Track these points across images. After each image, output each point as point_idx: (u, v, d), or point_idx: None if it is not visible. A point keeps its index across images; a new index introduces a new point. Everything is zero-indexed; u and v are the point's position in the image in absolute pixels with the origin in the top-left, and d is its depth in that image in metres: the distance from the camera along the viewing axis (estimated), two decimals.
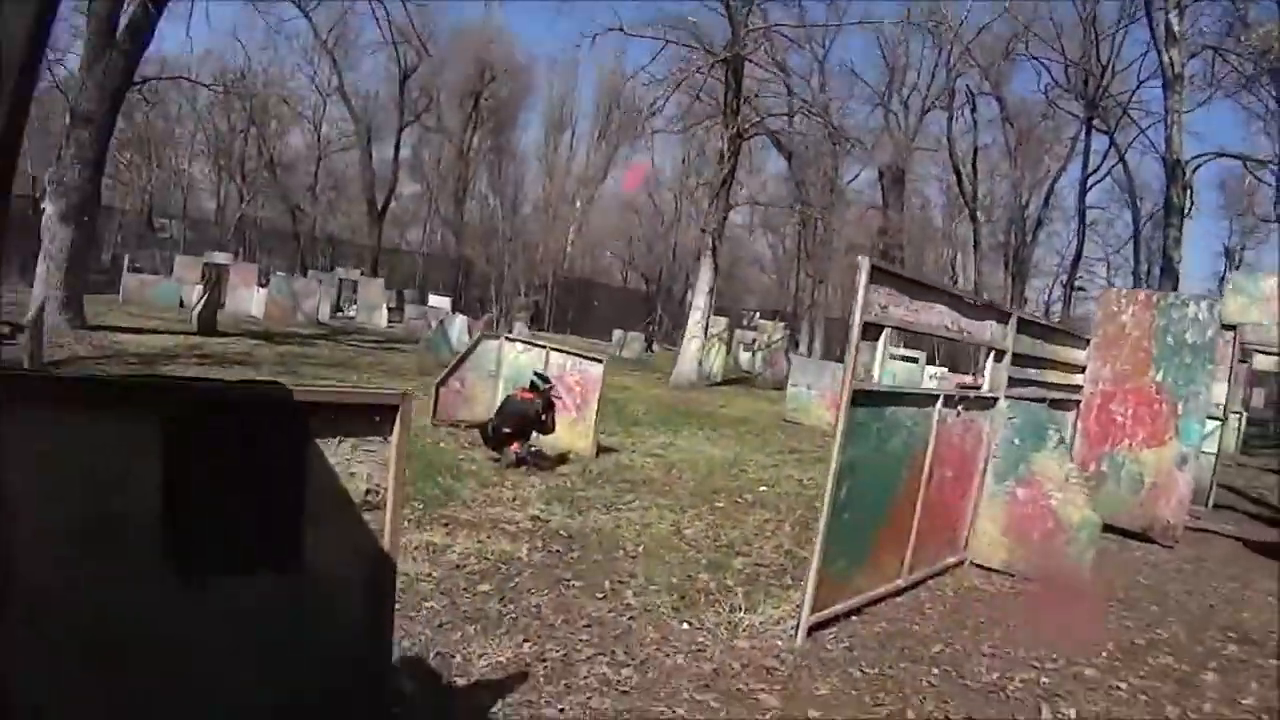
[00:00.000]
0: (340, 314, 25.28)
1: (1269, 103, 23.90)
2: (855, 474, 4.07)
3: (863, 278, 3.80)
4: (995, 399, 5.54)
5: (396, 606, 2.34)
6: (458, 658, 3.40)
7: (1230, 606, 5.65)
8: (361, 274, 28.31)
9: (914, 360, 17.55)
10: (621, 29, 17.12)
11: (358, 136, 33.74)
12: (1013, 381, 5.66)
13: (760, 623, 4.10)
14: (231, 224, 30.58)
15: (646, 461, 8.56)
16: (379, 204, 34.42)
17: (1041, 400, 6.17)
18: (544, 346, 9.54)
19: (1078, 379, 7.62)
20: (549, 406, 7.61)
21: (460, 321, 18.52)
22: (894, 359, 16.60)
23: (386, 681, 2.45)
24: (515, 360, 9.53)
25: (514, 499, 6.27)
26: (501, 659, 3.42)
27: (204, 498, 2.05)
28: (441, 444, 8.08)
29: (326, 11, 29.85)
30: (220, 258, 23.77)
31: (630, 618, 4.05)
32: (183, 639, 2.04)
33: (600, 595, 4.34)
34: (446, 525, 5.36)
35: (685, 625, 4.03)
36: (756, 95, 18.40)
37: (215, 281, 20.54)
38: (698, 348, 18.58)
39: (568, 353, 9.29)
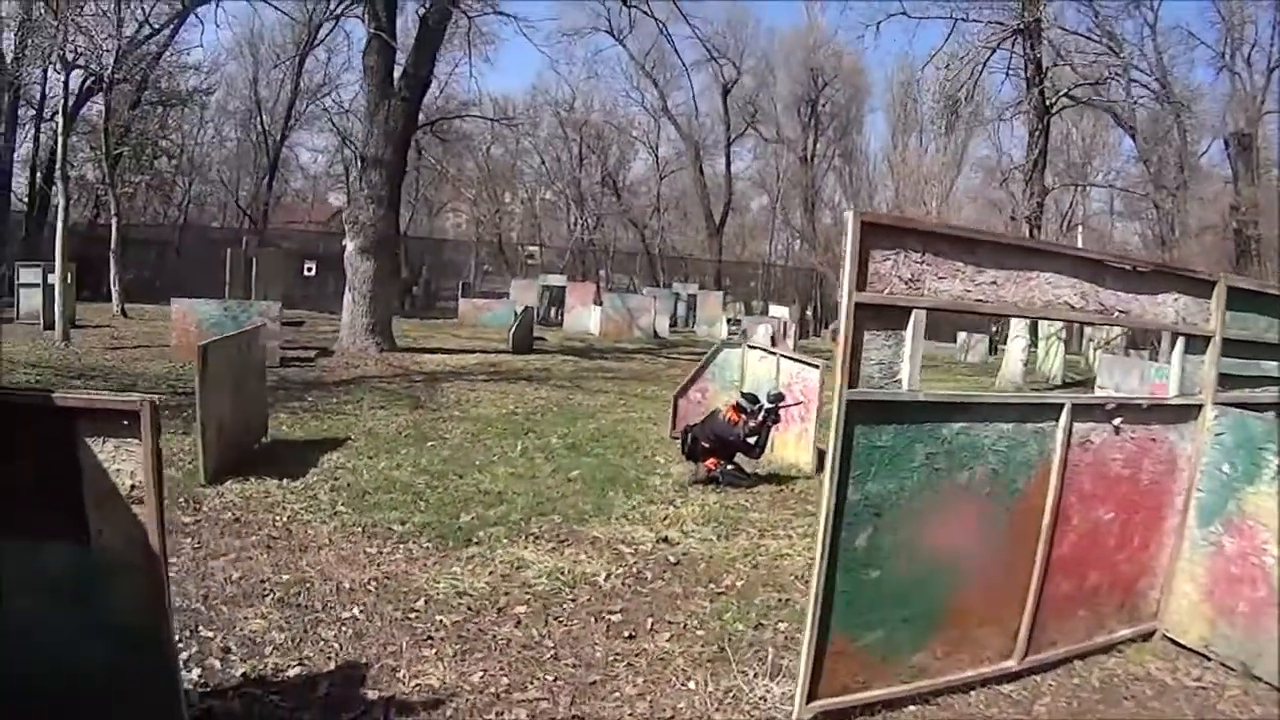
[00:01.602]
0: (682, 327, 27.17)
1: None
2: (887, 517, 3.28)
3: (849, 240, 3.01)
4: (1196, 407, 4.20)
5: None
6: (401, 672, 3.56)
7: None
8: (700, 287, 30.07)
9: None
10: (904, 13, 16.07)
11: (688, 154, 36.16)
12: (1227, 381, 4.28)
13: (781, 695, 3.49)
14: (571, 247, 34.98)
15: None
16: (716, 219, 36.34)
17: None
18: (776, 354, 9.20)
19: None
20: (759, 430, 7.24)
21: (763, 329, 18.62)
22: None
23: (168, 658, 2.72)
24: (755, 369, 9.36)
25: (665, 518, 6.25)
26: (438, 681, 3.49)
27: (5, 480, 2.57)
28: (657, 456, 8.29)
29: (638, 39, 32.65)
30: (554, 279, 27.31)
31: (629, 664, 3.79)
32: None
33: (628, 635, 4.14)
34: (561, 541, 5.60)
35: (686, 684, 3.63)
36: (1055, 65, 16.14)
37: (551, 301, 23.75)
38: (1021, 348, 17.64)
39: (794, 360, 8.86)
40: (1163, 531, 4.25)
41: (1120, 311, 3.88)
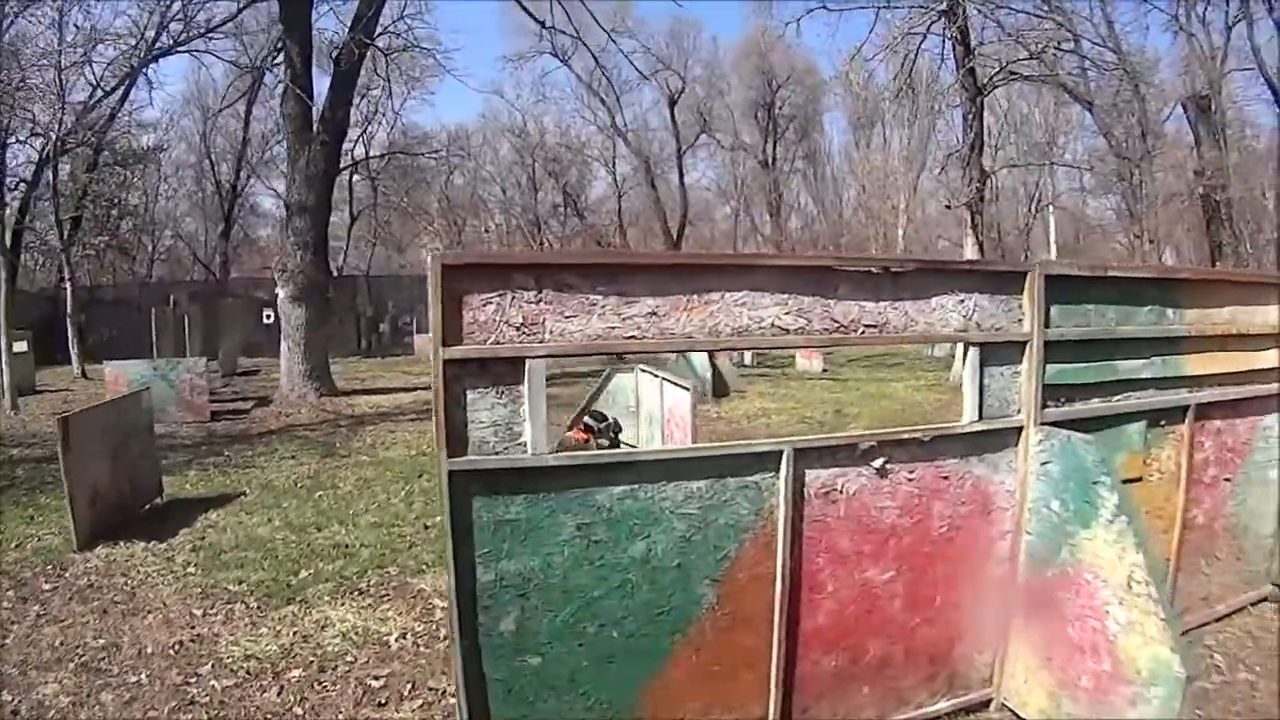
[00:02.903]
0: None
1: None
2: (536, 598, 3.05)
3: (432, 287, 2.75)
4: (1012, 431, 3.72)
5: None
6: None
7: None
8: None
9: None
10: (825, 7, 16.51)
11: (640, 169, 36.95)
12: (1062, 393, 3.84)
13: None
14: None
15: None
16: (674, 232, 37.06)
17: (1156, 415, 4.20)
18: (660, 377, 9.34)
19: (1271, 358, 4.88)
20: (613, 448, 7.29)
21: None
22: None
23: None
24: (647, 391, 9.52)
25: None
26: None
27: None
28: None
29: (583, 57, 33.20)
30: None
31: None
32: None
33: (380, 702, 4.39)
34: (382, 597, 5.87)
35: None
36: (983, 42, 16.39)
37: None
38: None
39: (671, 381, 9.10)
40: (981, 586, 3.71)
41: (868, 327, 3.38)
